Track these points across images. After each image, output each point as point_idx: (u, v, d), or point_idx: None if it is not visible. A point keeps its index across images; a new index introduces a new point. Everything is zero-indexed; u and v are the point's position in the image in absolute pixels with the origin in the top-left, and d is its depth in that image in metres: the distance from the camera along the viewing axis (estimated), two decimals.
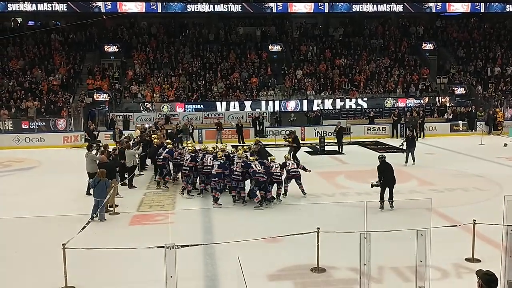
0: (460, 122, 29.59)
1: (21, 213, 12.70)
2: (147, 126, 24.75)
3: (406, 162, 18.88)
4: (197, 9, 33.62)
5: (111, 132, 25.89)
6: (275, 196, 13.73)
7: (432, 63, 36.22)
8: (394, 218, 10.03)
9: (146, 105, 30.37)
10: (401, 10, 35.48)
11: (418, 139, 27.38)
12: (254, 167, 13.32)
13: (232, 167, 13.84)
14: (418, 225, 7.14)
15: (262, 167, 13.46)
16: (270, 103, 31.06)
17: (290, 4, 34.65)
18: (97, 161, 14.25)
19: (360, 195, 14.56)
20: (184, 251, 7.15)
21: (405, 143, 19.40)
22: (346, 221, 11.29)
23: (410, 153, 18.96)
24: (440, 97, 32.55)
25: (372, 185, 13.10)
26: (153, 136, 18.41)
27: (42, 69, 32.04)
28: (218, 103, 30.66)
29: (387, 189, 13.03)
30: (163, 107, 30.24)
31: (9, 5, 32.27)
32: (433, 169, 18.67)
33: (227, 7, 33.85)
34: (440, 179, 16.66)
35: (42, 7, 32.22)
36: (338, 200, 14.02)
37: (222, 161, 13.92)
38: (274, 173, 13.46)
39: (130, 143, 17.37)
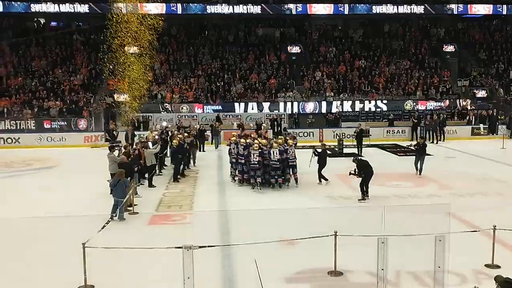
0: (482, 126, 29.18)
1: (42, 211, 12.94)
2: (164, 124, 24.95)
3: (417, 171, 17.60)
4: (216, 10, 33.75)
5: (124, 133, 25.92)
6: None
7: (453, 65, 35.76)
8: (413, 222, 9.94)
9: (166, 105, 30.62)
10: (422, 11, 35.09)
11: (439, 142, 27.15)
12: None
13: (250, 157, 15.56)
14: (437, 230, 7.08)
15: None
16: (289, 104, 31.04)
17: (309, 5, 34.55)
18: (117, 162, 14.42)
19: (378, 198, 14.44)
20: (201, 251, 7.20)
21: (413, 148, 18.40)
22: (364, 224, 11.23)
23: (419, 162, 17.60)
24: (461, 100, 32.13)
25: (350, 173, 14.33)
26: (178, 137, 18.42)
27: (64, 69, 32.55)
28: (236, 104, 30.77)
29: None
30: (182, 108, 30.45)
31: (31, 5, 32.83)
32: (453, 173, 18.44)
33: (247, 9, 33.92)
34: (460, 183, 16.46)
35: (64, 8, 32.71)
36: (355, 203, 13.94)
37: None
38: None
39: (149, 143, 17.54)
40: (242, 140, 16.78)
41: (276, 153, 15.60)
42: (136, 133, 26.28)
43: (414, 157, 18.19)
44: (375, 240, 6.97)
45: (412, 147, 18.74)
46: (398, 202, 13.99)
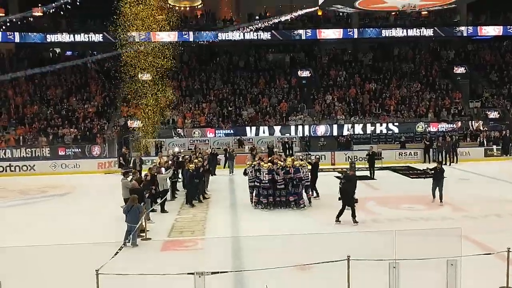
0: (494, 147, 28.95)
1: (56, 238, 13.04)
2: (176, 150, 25.12)
3: (434, 197, 16.69)
4: (227, 37, 34.24)
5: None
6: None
7: (464, 87, 35.70)
8: (425, 246, 9.86)
9: (178, 130, 30.92)
10: (432, 34, 35.22)
11: (452, 164, 26.96)
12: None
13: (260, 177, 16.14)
14: (449, 253, 7.03)
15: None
16: (300, 127, 31.16)
17: (319, 30, 34.93)
18: (129, 187, 14.54)
19: (392, 221, 14.37)
20: (213, 277, 7.22)
21: (429, 172, 17.49)
22: (377, 248, 11.13)
23: (437, 188, 16.60)
24: (473, 122, 31.98)
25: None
26: (194, 161, 18.51)
27: (78, 97, 33.14)
28: (248, 128, 30.96)
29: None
30: (194, 132, 30.72)
31: (48, 36, 33.66)
32: (466, 195, 18.25)
33: (257, 35, 34.37)
34: (474, 205, 16.29)
35: (79, 37, 33.50)
36: (369, 227, 13.86)
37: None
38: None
39: (162, 169, 17.66)
40: (266, 164, 16.51)
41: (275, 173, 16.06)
42: (147, 158, 26.56)
43: (427, 179, 17.80)
44: (387, 264, 6.94)
45: (429, 172, 17.80)
46: (410, 225, 13.86)
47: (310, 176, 16.95)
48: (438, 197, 16.54)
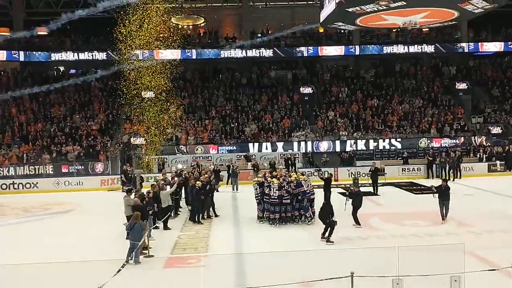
0: (498, 162, 28.87)
1: (59, 255, 13.01)
2: (180, 167, 25.13)
3: (443, 218, 16.18)
4: (230, 54, 34.55)
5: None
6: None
7: (466, 102, 35.75)
8: (428, 262, 9.79)
9: (181, 147, 30.96)
10: (433, 51, 35.45)
11: (455, 179, 26.86)
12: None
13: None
14: (453, 269, 6.98)
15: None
16: (303, 144, 31.15)
17: (320, 47, 35.23)
18: (131, 205, 14.51)
19: (396, 237, 14.29)
20: None
21: (435, 194, 16.61)
22: (380, 264, 11.07)
23: (444, 207, 16.19)
24: (476, 137, 31.95)
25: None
26: (200, 179, 18.36)
27: (82, 114, 33.32)
28: (250, 145, 30.98)
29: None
30: (197, 149, 30.76)
31: (52, 55, 34.03)
32: (471, 210, 18.15)
33: (259, 52, 34.68)
34: (478, 221, 16.21)
35: (83, 56, 33.85)
36: (372, 243, 13.80)
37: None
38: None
39: (168, 186, 17.65)
40: (275, 180, 16.75)
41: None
42: (149, 175, 26.58)
43: (431, 195, 17.26)
44: (390, 281, 6.89)
45: (433, 190, 16.83)
46: (414, 241, 13.78)
47: (323, 191, 17.34)
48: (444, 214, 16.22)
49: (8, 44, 32.63)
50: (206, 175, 18.55)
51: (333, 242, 13.87)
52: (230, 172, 25.98)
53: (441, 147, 30.68)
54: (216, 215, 18.10)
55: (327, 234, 13.97)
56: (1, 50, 32.90)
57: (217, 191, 23.02)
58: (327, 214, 14.11)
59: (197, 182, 17.45)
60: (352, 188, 17.59)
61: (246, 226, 16.61)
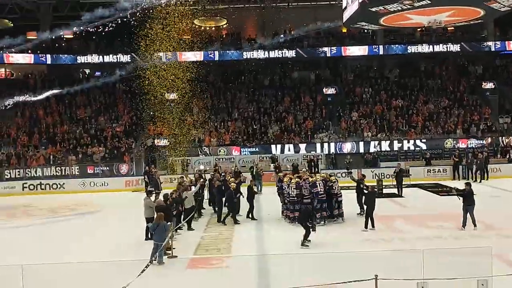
0: None
1: (85, 255, 13.23)
2: (202, 168, 25.24)
3: (464, 225, 15.33)
4: (252, 56, 34.59)
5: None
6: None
7: (493, 102, 35.05)
8: (454, 266, 9.63)
9: (204, 149, 31.15)
10: (458, 50, 34.83)
11: (482, 181, 26.36)
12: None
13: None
14: (479, 273, 6.85)
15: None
16: (326, 145, 31.01)
17: (344, 47, 35.01)
18: (153, 207, 14.64)
19: (420, 240, 14.11)
20: None
21: (455, 194, 16.04)
22: (405, 267, 10.94)
23: (468, 213, 15.26)
24: (503, 137, 31.29)
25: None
26: (231, 180, 18.63)
27: (107, 116, 33.81)
28: (273, 146, 31.00)
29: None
30: (219, 150, 30.91)
31: (78, 57, 34.62)
32: (498, 212, 17.79)
33: (282, 53, 34.62)
34: (505, 223, 15.88)
35: (108, 58, 34.33)
36: (396, 246, 13.66)
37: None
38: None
39: (192, 187, 17.83)
40: (294, 179, 17.10)
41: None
42: (173, 176, 26.78)
43: (457, 197, 16.90)
44: (415, 284, 6.80)
45: (455, 193, 16.17)
46: (440, 244, 13.58)
47: (356, 192, 17.58)
48: (471, 221, 15.39)
49: (35, 47, 33.31)
50: (232, 179, 18.80)
51: (308, 246, 13.68)
52: (254, 173, 25.98)
53: (468, 147, 30.17)
54: (253, 218, 18.02)
55: (302, 237, 13.81)
56: (29, 53, 33.64)
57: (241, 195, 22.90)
58: (305, 217, 14.02)
59: (232, 184, 17.75)
60: (363, 184, 17.52)
61: (269, 227, 16.63)
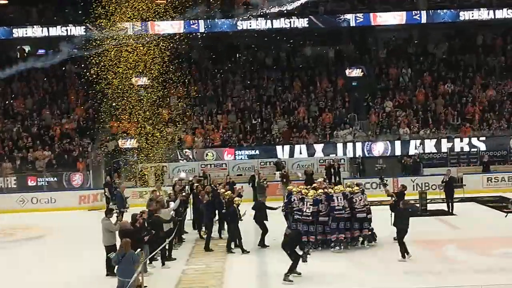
0: None
1: None
2: (183, 176, 25.19)
3: None
4: (250, 26, 34.46)
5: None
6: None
7: None
8: None
9: (185, 152, 31.09)
10: None
11: None
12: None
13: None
14: None
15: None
16: (349, 146, 31.00)
17: (373, 14, 34.92)
18: (114, 231, 14.56)
19: (480, 272, 14.07)
20: None
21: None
22: None
23: None
24: None
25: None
26: (226, 193, 18.68)
27: (54, 109, 33.75)
28: (278, 148, 30.99)
29: None
30: (207, 154, 30.87)
31: (14, 30, 34.48)
32: None
33: (290, 22, 34.51)
34: None
35: (55, 31, 34.23)
36: (447, 280, 13.62)
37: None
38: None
39: (171, 203, 17.78)
40: (311, 192, 17.23)
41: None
42: (144, 189, 26.70)
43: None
44: None
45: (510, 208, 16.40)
46: (505, 277, 13.53)
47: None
48: None
49: None
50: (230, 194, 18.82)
51: (292, 281, 13.72)
52: (256, 185, 25.83)
53: None
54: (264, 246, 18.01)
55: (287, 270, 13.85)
56: None
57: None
58: (291, 243, 14.08)
59: (236, 198, 17.83)
60: (394, 198, 17.53)
61: (271, 256, 16.56)
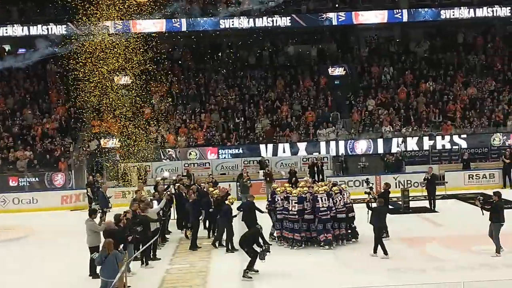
0: None
1: None
2: (166, 175, 25.15)
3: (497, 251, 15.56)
4: (233, 25, 34.44)
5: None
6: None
7: None
8: None
9: (168, 151, 31.01)
10: (508, 14, 35.07)
11: None
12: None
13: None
14: None
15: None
16: (332, 144, 31.09)
17: (355, 13, 35.03)
18: (99, 231, 14.47)
19: (462, 269, 14.20)
20: None
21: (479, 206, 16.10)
22: None
23: (493, 232, 15.56)
24: None
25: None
26: (214, 192, 18.89)
27: (35, 109, 33.49)
28: (262, 146, 31.01)
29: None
30: (190, 153, 30.81)
31: None
32: None
33: (272, 21, 34.52)
34: None
35: (35, 30, 33.96)
36: (430, 277, 13.75)
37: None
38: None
39: (155, 202, 17.77)
40: (295, 191, 17.42)
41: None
42: (128, 189, 26.61)
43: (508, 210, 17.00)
44: None
45: (479, 204, 16.23)
46: (486, 274, 13.67)
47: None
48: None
49: None
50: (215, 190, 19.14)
51: (251, 277, 14.11)
52: (240, 185, 25.75)
53: None
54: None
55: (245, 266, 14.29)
56: None
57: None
58: (249, 240, 14.37)
59: (230, 197, 17.98)
60: (371, 195, 17.57)
61: None
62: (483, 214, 15.87)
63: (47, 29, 33.91)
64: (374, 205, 16.44)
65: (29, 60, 34.52)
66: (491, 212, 15.61)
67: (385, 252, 15.64)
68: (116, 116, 29.17)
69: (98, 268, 12.77)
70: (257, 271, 14.35)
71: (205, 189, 19.97)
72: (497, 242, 15.49)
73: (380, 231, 16.02)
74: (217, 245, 17.63)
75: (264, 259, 14.01)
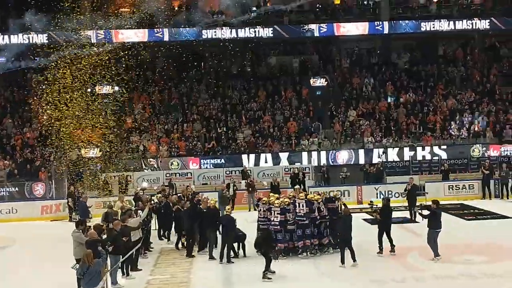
0: None
1: None
2: (145, 185, 24.99)
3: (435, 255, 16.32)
4: (215, 35, 34.45)
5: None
6: None
7: None
8: None
9: (150, 161, 30.92)
10: (487, 27, 35.45)
11: None
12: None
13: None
14: None
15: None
16: (314, 154, 31.19)
17: (337, 25, 35.16)
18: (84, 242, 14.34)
19: (441, 279, 14.29)
20: None
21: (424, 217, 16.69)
22: None
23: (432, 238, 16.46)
24: None
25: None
26: (211, 201, 18.50)
27: (15, 118, 33.23)
28: (244, 156, 31.00)
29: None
30: (172, 163, 30.73)
31: None
32: None
33: (255, 32, 34.57)
34: None
35: (16, 38, 33.72)
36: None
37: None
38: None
39: (139, 212, 17.68)
40: (277, 201, 17.36)
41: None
42: (110, 199, 26.39)
43: (489, 221, 17.37)
44: None
45: (419, 211, 17.18)
46: (468, 284, 13.77)
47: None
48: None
49: None
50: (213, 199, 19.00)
51: (271, 278, 14.46)
52: (220, 196, 25.56)
53: (501, 156, 30.73)
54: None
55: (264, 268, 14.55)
56: None
57: None
58: (265, 242, 14.73)
59: (227, 207, 17.91)
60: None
61: (236, 264, 16.61)
62: (422, 219, 16.74)
63: (28, 38, 33.67)
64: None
65: (9, 69, 34.31)
66: (429, 219, 16.32)
67: (354, 259, 15.87)
68: (97, 125, 29.04)
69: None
70: (274, 272, 14.72)
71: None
72: (435, 248, 16.15)
73: (345, 242, 16.01)
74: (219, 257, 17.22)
75: (277, 259, 14.65)
